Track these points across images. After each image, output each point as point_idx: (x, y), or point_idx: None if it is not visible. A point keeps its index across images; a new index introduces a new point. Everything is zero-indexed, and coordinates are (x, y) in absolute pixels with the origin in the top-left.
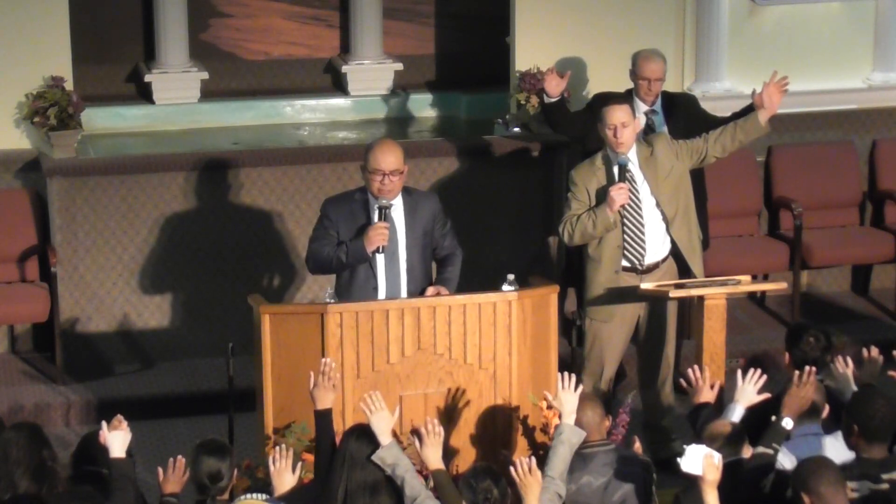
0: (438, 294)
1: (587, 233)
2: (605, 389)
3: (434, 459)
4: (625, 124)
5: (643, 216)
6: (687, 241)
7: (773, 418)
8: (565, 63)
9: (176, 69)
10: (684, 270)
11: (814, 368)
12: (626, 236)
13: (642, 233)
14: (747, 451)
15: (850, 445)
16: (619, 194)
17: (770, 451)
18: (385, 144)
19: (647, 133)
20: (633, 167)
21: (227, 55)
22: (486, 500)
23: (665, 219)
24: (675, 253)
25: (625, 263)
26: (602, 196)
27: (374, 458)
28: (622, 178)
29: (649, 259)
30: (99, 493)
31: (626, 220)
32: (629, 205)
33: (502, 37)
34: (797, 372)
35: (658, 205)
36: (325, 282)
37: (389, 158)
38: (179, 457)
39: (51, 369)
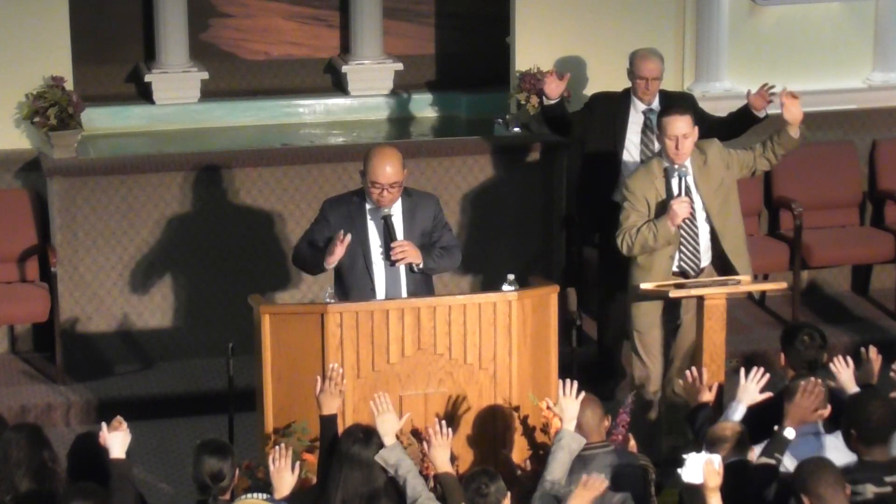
0: (403, 249)
1: (647, 245)
2: (655, 390)
3: (442, 461)
4: (686, 136)
5: (697, 225)
6: (734, 248)
7: (776, 428)
8: (565, 63)
9: (176, 69)
10: (726, 273)
11: (819, 380)
12: (681, 246)
13: (697, 242)
14: (751, 453)
15: (852, 449)
16: (681, 208)
17: (773, 462)
18: (384, 155)
19: (647, 132)
20: (689, 177)
21: (227, 55)
22: (480, 494)
23: (713, 227)
24: (720, 257)
25: (674, 269)
26: (661, 208)
27: (377, 458)
28: (682, 190)
29: (701, 265)
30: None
31: (681, 231)
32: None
33: (502, 37)
34: (802, 383)
35: (708, 215)
36: (325, 282)
37: (388, 171)
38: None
39: (51, 369)
